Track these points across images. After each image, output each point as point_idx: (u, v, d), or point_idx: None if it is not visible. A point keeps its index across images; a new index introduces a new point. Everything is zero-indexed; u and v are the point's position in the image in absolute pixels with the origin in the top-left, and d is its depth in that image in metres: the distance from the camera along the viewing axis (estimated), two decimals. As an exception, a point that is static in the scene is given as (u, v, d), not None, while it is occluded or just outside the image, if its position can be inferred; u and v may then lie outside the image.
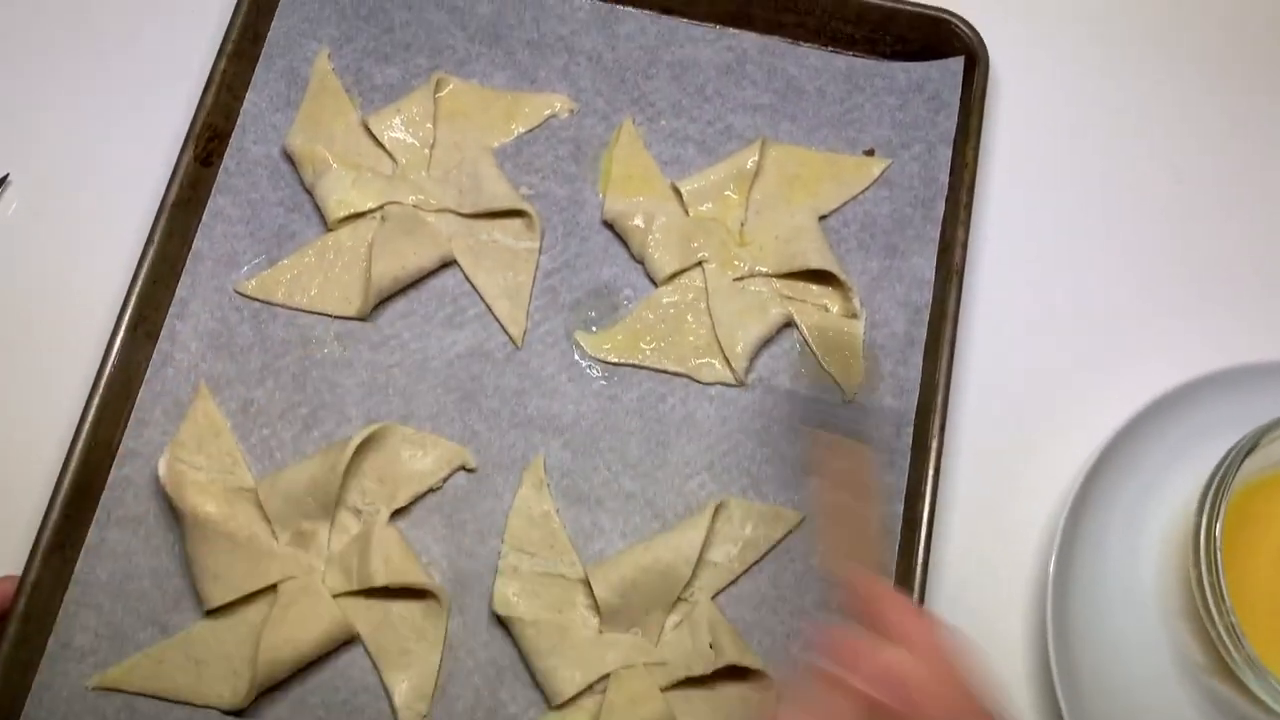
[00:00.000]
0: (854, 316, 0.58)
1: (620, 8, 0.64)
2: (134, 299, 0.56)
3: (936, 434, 0.55)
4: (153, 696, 0.52)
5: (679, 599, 0.53)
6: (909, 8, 0.62)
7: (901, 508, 0.55)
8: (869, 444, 0.54)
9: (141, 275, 0.56)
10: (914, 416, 0.57)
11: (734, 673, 0.52)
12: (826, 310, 0.59)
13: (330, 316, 0.58)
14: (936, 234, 0.60)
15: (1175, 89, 0.65)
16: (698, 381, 0.58)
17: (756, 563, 0.55)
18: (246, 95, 0.62)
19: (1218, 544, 0.50)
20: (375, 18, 0.64)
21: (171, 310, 0.58)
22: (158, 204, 0.57)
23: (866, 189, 0.61)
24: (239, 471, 0.55)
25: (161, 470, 0.53)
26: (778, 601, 0.54)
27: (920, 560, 0.53)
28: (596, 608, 0.53)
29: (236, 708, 0.51)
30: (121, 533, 0.54)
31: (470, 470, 0.56)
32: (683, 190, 0.60)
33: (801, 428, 0.54)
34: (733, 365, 0.57)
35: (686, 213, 0.60)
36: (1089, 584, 0.54)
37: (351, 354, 0.58)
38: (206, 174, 0.60)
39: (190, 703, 0.52)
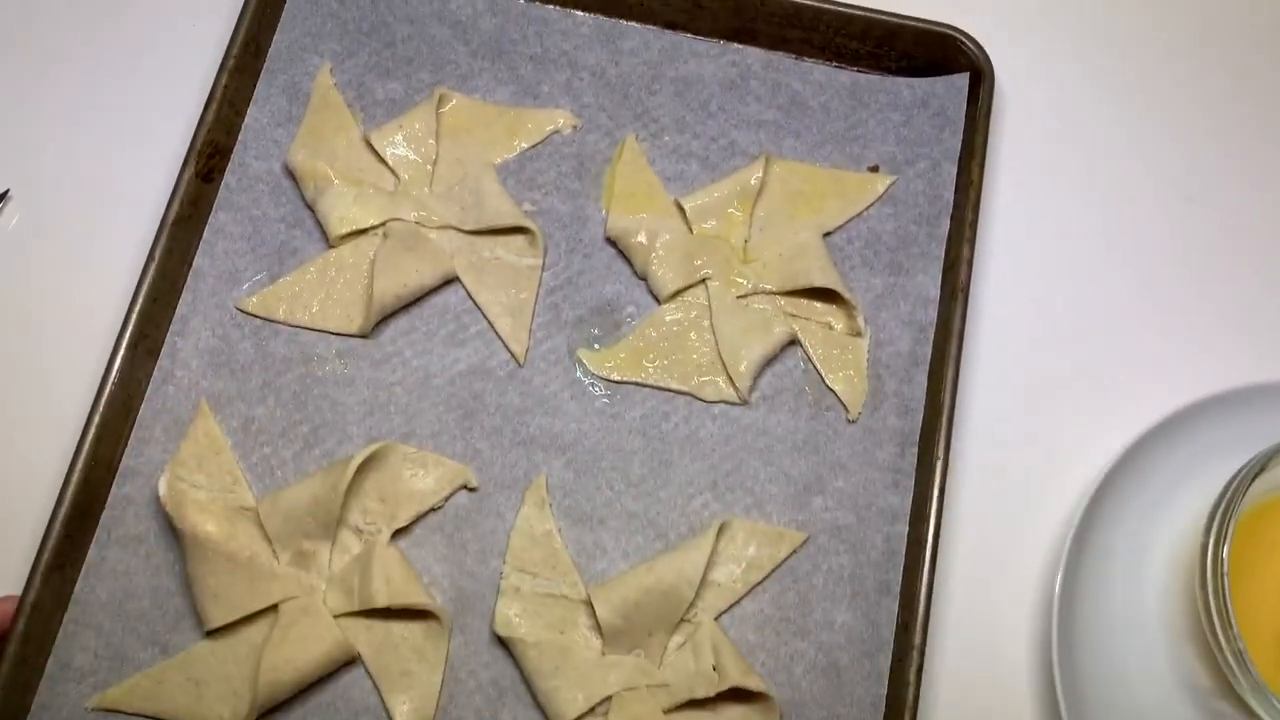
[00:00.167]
0: (858, 334, 0.58)
1: (624, 23, 0.64)
2: (134, 316, 0.55)
3: (941, 454, 0.54)
4: (152, 717, 0.51)
5: (682, 620, 0.53)
6: (914, 23, 0.62)
7: (906, 528, 0.55)
8: None
9: (142, 292, 0.56)
10: (919, 436, 0.56)
11: (737, 695, 0.51)
12: (830, 328, 0.58)
13: (332, 334, 0.58)
14: (941, 251, 0.59)
15: (1184, 105, 0.65)
16: (701, 400, 0.57)
17: (760, 583, 0.54)
18: (248, 110, 0.61)
19: (1225, 567, 0.50)
20: (377, 32, 0.63)
21: (172, 327, 0.57)
22: (158, 220, 0.57)
23: (871, 206, 0.61)
24: (239, 490, 0.55)
25: (162, 489, 0.53)
26: (781, 623, 0.54)
27: (925, 581, 0.52)
28: (599, 629, 0.52)
29: (236, 729, 0.51)
30: (122, 552, 0.54)
31: (472, 489, 0.55)
32: (686, 207, 0.60)
33: None
34: (736, 384, 0.57)
35: (690, 230, 0.60)
36: (1094, 605, 0.54)
37: (353, 371, 0.57)
38: (208, 190, 0.59)
39: (190, 724, 0.51)
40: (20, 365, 0.59)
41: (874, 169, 0.61)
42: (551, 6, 0.64)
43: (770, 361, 0.58)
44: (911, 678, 0.51)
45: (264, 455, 0.56)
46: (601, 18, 0.64)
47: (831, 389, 0.57)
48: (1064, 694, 0.51)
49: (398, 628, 0.53)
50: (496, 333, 0.58)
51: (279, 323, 0.58)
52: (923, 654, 0.51)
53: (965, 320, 0.57)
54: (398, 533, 0.54)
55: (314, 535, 0.53)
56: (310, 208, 0.60)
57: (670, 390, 0.57)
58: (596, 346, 0.58)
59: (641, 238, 0.59)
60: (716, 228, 0.60)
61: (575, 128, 0.62)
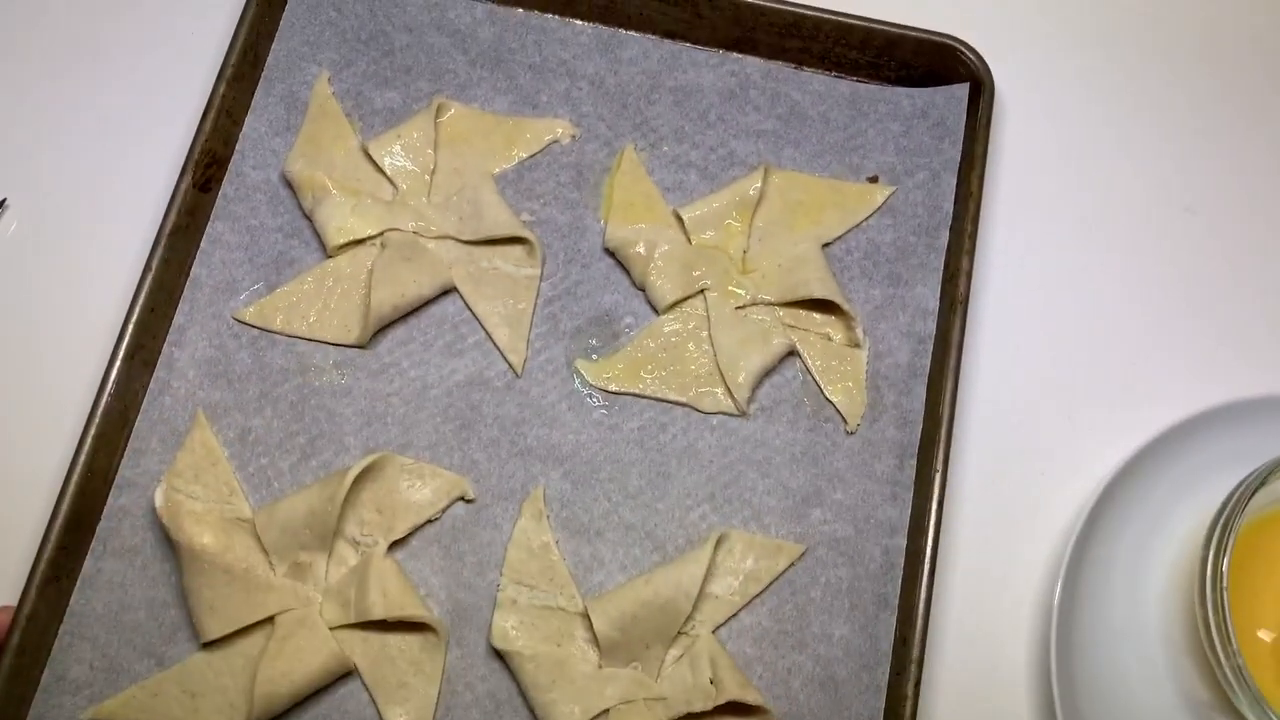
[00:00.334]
0: (857, 346, 0.58)
1: (623, 32, 0.64)
2: (131, 326, 0.55)
3: (940, 466, 0.54)
4: (148, 730, 0.51)
5: (679, 633, 0.53)
6: (914, 33, 0.61)
7: (905, 541, 0.55)
8: None
9: (139, 302, 0.56)
10: (917, 448, 0.56)
11: (734, 708, 0.51)
12: (829, 339, 0.58)
13: (329, 344, 0.58)
14: (941, 263, 0.59)
15: (1184, 116, 0.65)
16: (699, 411, 0.57)
17: (758, 596, 0.54)
18: (246, 120, 0.61)
19: (1224, 580, 0.50)
20: (376, 41, 0.63)
21: (169, 337, 0.57)
22: (156, 230, 0.57)
23: (870, 216, 0.60)
24: (236, 501, 0.55)
25: (158, 500, 0.53)
26: (779, 635, 0.54)
27: (924, 594, 0.52)
28: (596, 641, 0.52)
29: (232, 742, 0.51)
30: (118, 563, 0.54)
31: (469, 501, 0.55)
32: (685, 217, 0.60)
33: None
34: (734, 395, 0.57)
35: (688, 240, 0.60)
36: (1093, 618, 0.54)
37: (350, 382, 0.57)
38: (205, 200, 0.59)
39: (186, 736, 0.51)
40: (16, 375, 0.58)
41: (873, 179, 0.61)
42: (550, 15, 0.64)
43: (769, 373, 0.58)
44: (910, 691, 0.51)
45: (261, 466, 0.56)
46: (600, 27, 0.64)
47: (830, 400, 0.57)
48: (1063, 708, 0.51)
49: (394, 640, 0.53)
50: (494, 343, 0.58)
51: (276, 333, 0.58)
52: (921, 667, 0.51)
53: (964, 332, 0.57)
54: (395, 544, 0.54)
55: (310, 547, 0.53)
56: (308, 217, 0.60)
57: (668, 401, 0.57)
58: (594, 357, 0.58)
59: (640, 248, 0.59)
60: (715, 238, 0.60)
61: (574, 137, 0.62)
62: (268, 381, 0.57)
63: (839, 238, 0.60)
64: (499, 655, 0.53)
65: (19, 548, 0.54)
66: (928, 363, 0.57)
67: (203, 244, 0.59)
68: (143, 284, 0.56)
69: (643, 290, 0.59)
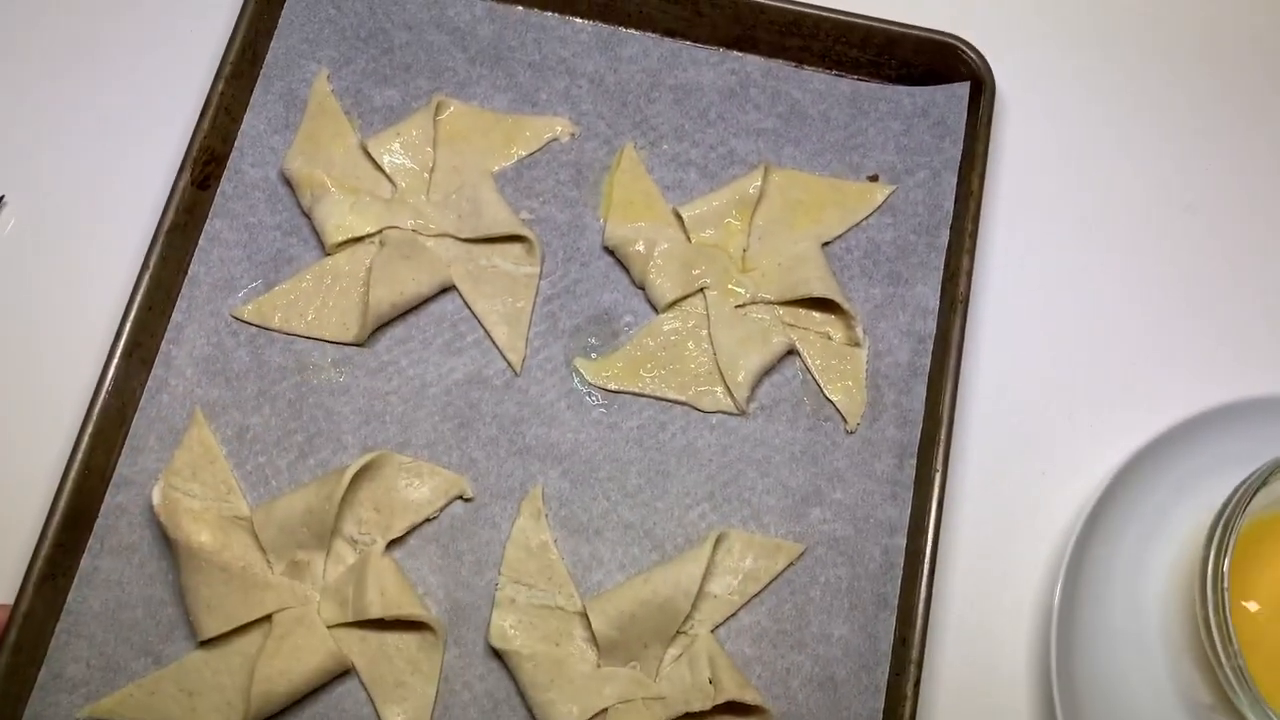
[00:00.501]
0: (857, 345, 0.58)
1: (623, 30, 0.63)
2: (129, 324, 0.55)
3: (940, 466, 0.54)
4: (145, 728, 0.51)
5: (678, 632, 0.52)
6: (915, 32, 0.61)
7: (904, 540, 0.54)
8: None
9: (137, 300, 0.55)
10: (917, 447, 0.56)
11: (733, 708, 0.51)
12: (829, 338, 0.58)
13: (327, 342, 0.58)
14: (941, 262, 0.59)
15: (1185, 116, 0.65)
16: (698, 410, 0.57)
17: (757, 595, 0.54)
18: (244, 117, 0.61)
19: (1225, 580, 0.50)
20: (375, 39, 0.63)
21: (167, 335, 0.57)
22: (154, 227, 0.57)
23: (870, 215, 0.60)
24: (234, 499, 0.55)
25: (155, 498, 0.53)
26: (778, 635, 0.53)
27: (923, 594, 0.52)
28: (594, 641, 0.52)
29: (229, 741, 0.51)
30: (115, 561, 0.53)
31: (467, 500, 0.55)
32: (684, 216, 0.59)
33: None
34: (734, 394, 0.57)
35: (688, 239, 0.59)
36: (1093, 618, 0.54)
37: (348, 380, 0.57)
38: (203, 197, 0.59)
39: (183, 735, 0.51)
40: (14, 372, 0.58)
41: (873, 178, 0.61)
42: (550, 13, 0.64)
43: (768, 372, 0.58)
44: (909, 691, 0.51)
45: (258, 464, 0.56)
46: (600, 25, 0.63)
47: (830, 399, 0.57)
48: (1062, 709, 0.51)
49: (392, 639, 0.52)
50: (493, 341, 0.58)
51: (274, 331, 0.58)
52: (920, 667, 0.51)
53: (965, 331, 0.56)
54: (392, 543, 0.54)
55: (308, 545, 0.53)
56: (306, 215, 0.59)
57: (668, 400, 0.57)
58: (594, 356, 0.58)
59: (639, 246, 0.59)
60: (715, 237, 0.60)
61: (573, 135, 0.62)
62: (266, 379, 0.57)
63: (839, 236, 0.60)
64: (497, 654, 0.52)
65: (16, 545, 0.53)
66: (928, 362, 0.57)
67: (201, 242, 0.59)
68: (141, 281, 0.56)
69: (642, 289, 0.59)
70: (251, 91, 0.62)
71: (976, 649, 0.55)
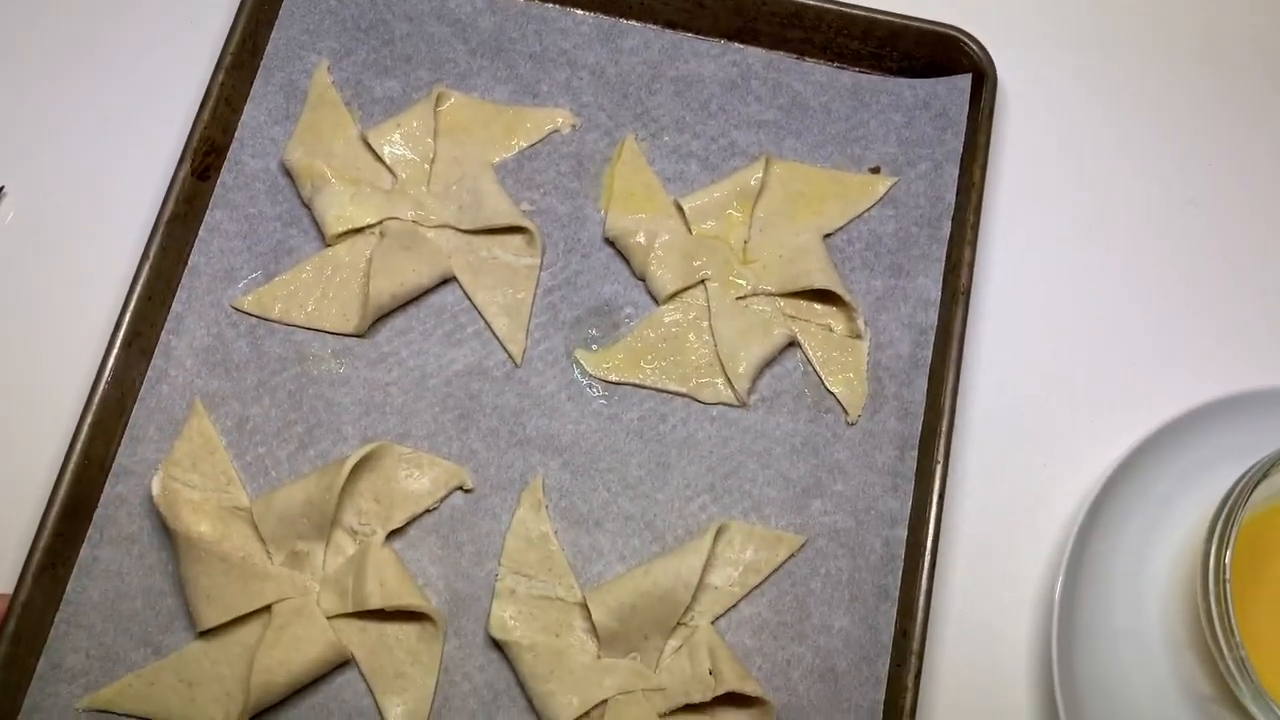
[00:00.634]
0: (858, 337, 0.58)
1: (624, 22, 0.63)
2: (129, 314, 0.55)
3: (941, 458, 0.54)
4: (144, 718, 0.51)
5: (678, 624, 0.52)
6: (916, 24, 0.61)
7: (905, 532, 0.54)
8: None
9: (137, 290, 0.55)
10: (918, 439, 0.56)
11: (734, 699, 0.51)
12: (830, 330, 0.58)
13: (328, 333, 0.57)
14: (943, 254, 0.59)
15: (1187, 109, 0.65)
16: (699, 401, 0.57)
17: (757, 587, 0.54)
18: (245, 108, 0.61)
19: (1227, 573, 0.49)
20: (376, 30, 0.63)
21: (167, 326, 0.57)
22: (154, 218, 0.57)
23: (872, 207, 0.60)
24: (233, 490, 0.54)
25: (155, 488, 0.53)
26: (778, 627, 0.53)
27: (924, 586, 0.52)
28: (594, 632, 0.52)
29: (228, 731, 0.51)
30: (114, 552, 0.53)
31: (468, 491, 0.55)
32: (685, 207, 0.59)
33: None
34: (735, 385, 0.56)
35: (689, 230, 0.59)
36: (1095, 611, 0.53)
37: (349, 371, 0.57)
38: (203, 188, 0.59)
39: (182, 725, 0.51)
40: (13, 363, 0.58)
41: (875, 170, 0.61)
42: (551, 5, 0.64)
43: (769, 363, 0.57)
44: (910, 683, 0.51)
45: (258, 455, 0.55)
46: (601, 16, 0.63)
47: (831, 391, 0.57)
48: (1064, 701, 0.51)
49: (392, 630, 0.52)
50: (494, 333, 0.58)
51: (274, 322, 0.57)
52: (921, 659, 0.51)
53: (966, 323, 0.56)
54: (392, 534, 0.54)
55: (308, 536, 0.53)
56: (307, 206, 0.59)
57: (668, 392, 0.57)
58: (594, 347, 0.58)
59: (640, 238, 0.58)
60: (716, 228, 0.59)
61: (574, 127, 0.62)
62: (266, 370, 0.57)
63: (840, 228, 0.60)
64: (497, 645, 0.52)
65: (15, 535, 0.53)
66: (929, 354, 0.57)
67: (201, 232, 0.59)
68: (140, 272, 0.56)
69: (643, 280, 0.59)
70: (252, 83, 0.61)
71: (978, 640, 0.55)
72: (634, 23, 0.63)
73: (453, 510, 0.55)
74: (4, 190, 0.61)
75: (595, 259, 0.59)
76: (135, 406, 0.56)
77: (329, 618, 0.52)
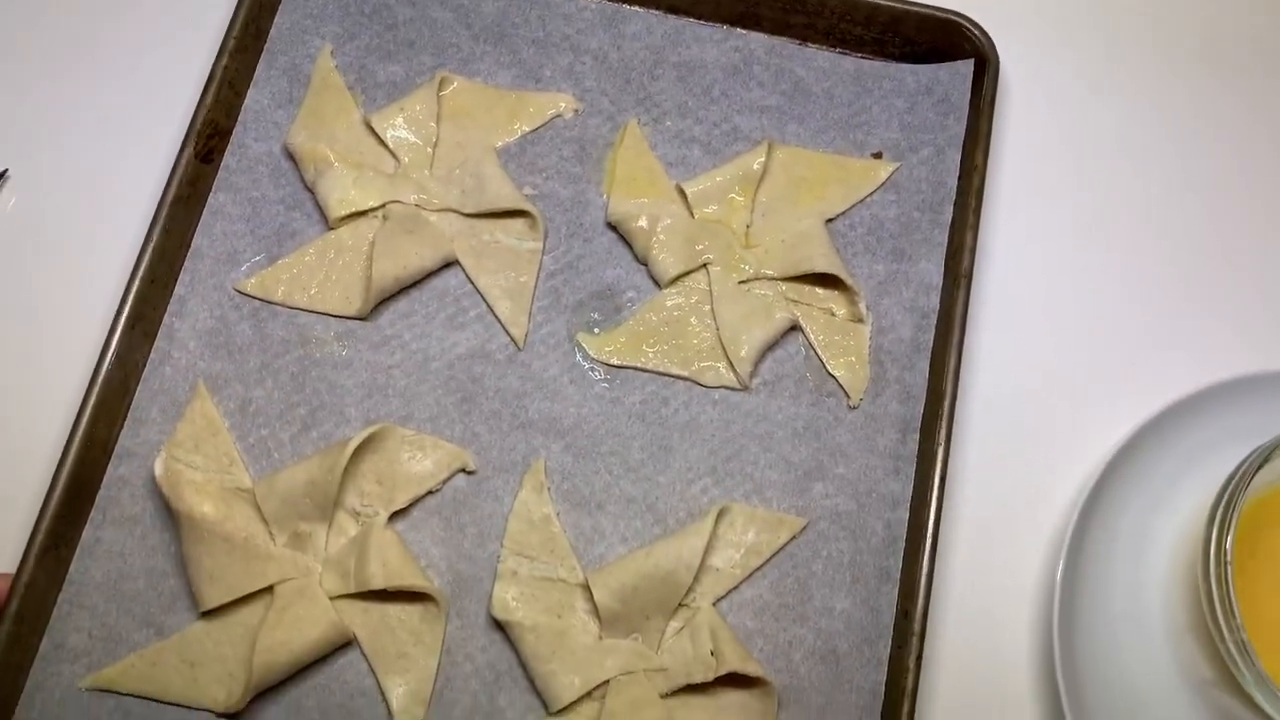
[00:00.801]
0: (860, 321, 0.58)
1: (626, 7, 0.63)
2: (132, 296, 0.55)
3: (943, 441, 0.54)
4: (146, 698, 0.51)
5: (680, 605, 0.52)
6: (918, 9, 0.61)
7: (907, 515, 0.54)
8: None
9: (140, 272, 0.55)
10: (920, 423, 0.56)
11: (735, 680, 0.51)
12: (832, 314, 0.58)
13: (330, 316, 0.57)
14: (944, 238, 0.59)
15: (1188, 94, 0.65)
16: (701, 385, 0.57)
17: (759, 569, 0.54)
18: (248, 92, 0.61)
19: (1228, 557, 0.49)
20: (379, 15, 0.63)
21: (170, 308, 0.57)
22: (157, 201, 0.57)
23: (874, 192, 0.60)
24: (236, 471, 0.55)
25: (158, 470, 0.53)
26: (780, 609, 0.53)
27: (925, 568, 0.52)
28: (596, 613, 0.52)
29: (231, 710, 0.51)
30: (117, 533, 0.53)
31: (470, 473, 0.55)
32: (688, 192, 0.59)
33: None
34: (737, 369, 0.56)
35: (691, 215, 0.59)
36: (1096, 594, 0.53)
37: (351, 354, 0.57)
38: (206, 171, 0.59)
39: (184, 705, 0.51)
40: (17, 345, 0.58)
41: (877, 155, 0.61)
42: (554, -10, 0.64)
43: (771, 347, 0.57)
44: (911, 664, 0.51)
45: (261, 437, 0.56)
46: (604, 2, 0.63)
47: (833, 375, 0.57)
48: (1064, 682, 0.51)
49: (394, 610, 0.52)
50: (496, 316, 0.58)
51: (277, 304, 0.58)
52: (922, 641, 0.51)
53: (968, 307, 0.56)
54: (395, 515, 0.54)
55: (310, 517, 0.53)
56: (310, 190, 0.59)
57: (670, 375, 0.57)
58: (596, 331, 0.58)
59: (643, 222, 0.59)
60: (718, 213, 0.60)
61: (577, 112, 0.62)
62: (268, 353, 0.57)
63: (842, 213, 0.60)
64: (499, 626, 0.52)
65: (18, 515, 0.53)
66: (931, 338, 0.57)
67: (204, 215, 0.59)
68: (144, 254, 0.56)
69: (645, 264, 0.59)
70: (255, 67, 0.62)
71: (979, 622, 0.55)
72: (636, 8, 0.63)
73: (455, 492, 0.55)
74: (7, 174, 0.61)
75: (597, 243, 0.59)
76: (138, 388, 0.56)
77: (331, 598, 0.52)
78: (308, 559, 0.53)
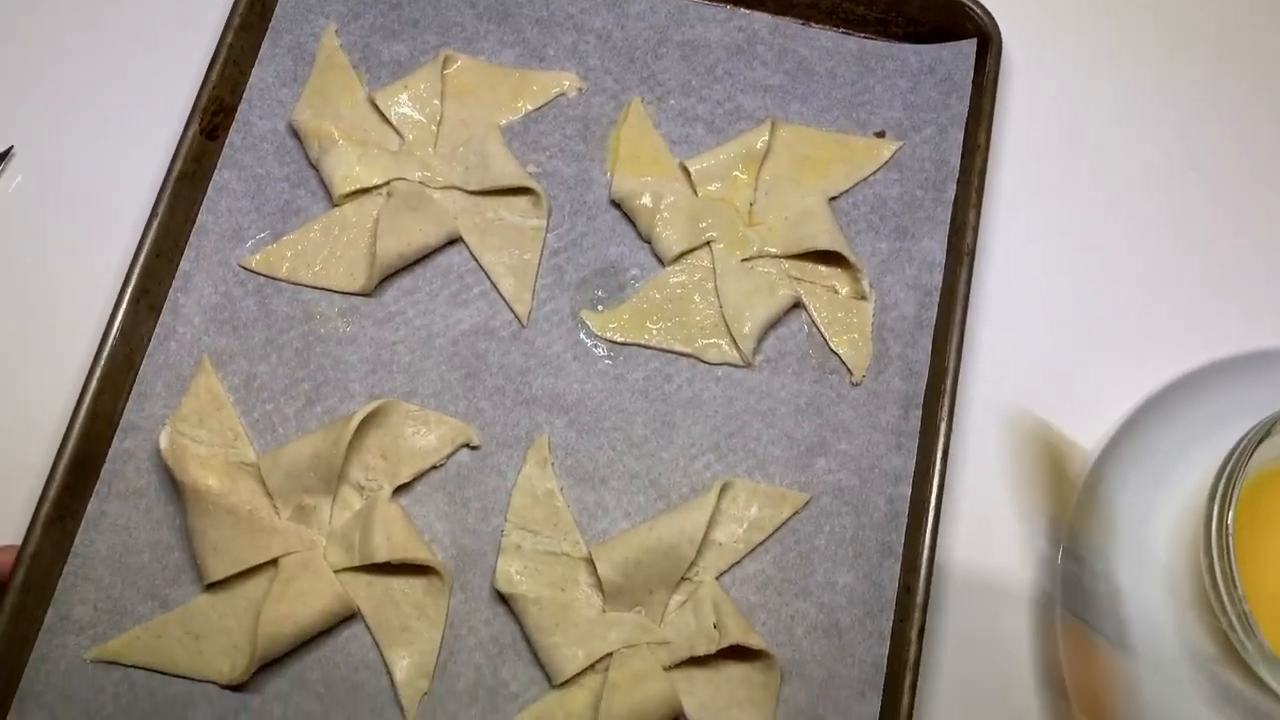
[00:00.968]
0: (863, 298, 0.58)
1: (630, -13, 0.64)
2: (137, 271, 0.55)
3: (945, 417, 0.54)
4: (151, 670, 0.51)
5: (683, 579, 0.53)
6: (921, -11, 0.61)
7: (909, 490, 0.54)
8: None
9: (145, 248, 0.56)
10: (922, 399, 0.56)
11: (738, 653, 0.51)
12: (835, 292, 0.58)
13: (335, 292, 0.58)
14: (947, 216, 0.59)
15: (1191, 72, 0.65)
16: (704, 362, 0.57)
17: (761, 544, 0.54)
18: (253, 70, 0.61)
19: (1229, 532, 0.49)
20: (384, -6, 0.63)
21: (175, 284, 0.57)
22: (162, 177, 0.57)
23: (877, 171, 0.60)
24: (241, 446, 0.55)
25: (163, 443, 0.53)
26: (782, 583, 0.53)
27: (927, 542, 0.52)
28: (600, 586, 0.52)
29: (235, 682, 0.51)
30: (122, 506, 0.54)
31: (474, 448, 0.55)
32: (691, 170, 0.59)
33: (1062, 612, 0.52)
34: (740, 346, 0.57)
35: (695, 192, 0.60)
36: (1098, 569, 0.53)
37: (355, 330, 0.57)
38: (212, 148, 0.59)
39: (189, 676, 0.51)
40: (23, 319, 0.58)
41: (880, 134, 0.61)
42: (558, -30, 0.64)
43: (774, 324, 0.58)
44: (913, 638, 0.51)
45: (265, 412, 0.56)
46: (608, -19, 0.64)
47: (835, 352, 0.57)
48: (1067, 656, 0.51)
49: (398, 584, 0.53)
50: (500, 293, 0.58)
51: (282, 280, 0.58)
52: (925, 615, 0.51)
53: (970, 284, 0.56)
54: (399, 490, 0.54)
55: (315, 491, 0.53)
56: (314, 167, 0.60)
57: (673, 352, 0.57)
58: (600, 308, 0.58)
59: (646, 200, 0.59)
60: (721, 191, 0.60)
61: (581, 90, 0.62)
62: (273, 329, 0.57)
63: (846, 192, 0.60)
64: (503, 599, 0.53)
65: (24, 488, 0.53)
66: (933, 315, 0.57)
67: (209, 192, 0.59)
68: (149, 229, 0.56)
69: (649, 242, 0.59)
70: (260, 44, 0.62)
71: (981, 596, 0.55)
72: (640, -12, 0.64)
73: (459, 467, 0.55)
74: (13, 150, 0.61)
75: (601, 221, 0.60)
76: (143, 363, 0.56)
77: (335, 571, 0.52)
78: (312, 532, 0.53)
